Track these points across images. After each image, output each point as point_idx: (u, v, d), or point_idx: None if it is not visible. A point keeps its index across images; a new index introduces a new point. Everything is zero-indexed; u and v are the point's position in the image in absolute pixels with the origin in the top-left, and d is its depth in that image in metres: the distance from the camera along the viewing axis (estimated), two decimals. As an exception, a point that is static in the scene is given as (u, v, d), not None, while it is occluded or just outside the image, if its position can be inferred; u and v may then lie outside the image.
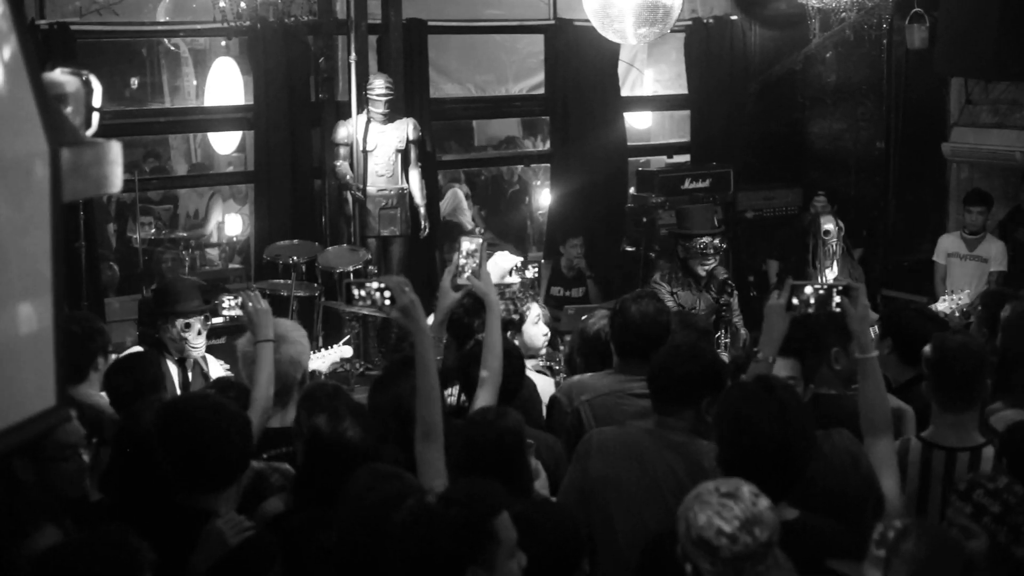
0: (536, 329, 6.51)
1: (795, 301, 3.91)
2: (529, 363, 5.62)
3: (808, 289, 3.89)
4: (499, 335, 4.71)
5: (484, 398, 4.45)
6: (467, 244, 4.73)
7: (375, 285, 4.08)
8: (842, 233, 9.03)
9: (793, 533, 3.18)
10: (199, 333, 6.11)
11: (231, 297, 4.76)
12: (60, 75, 2.08)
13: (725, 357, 6.47)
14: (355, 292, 4.13)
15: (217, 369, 6.25)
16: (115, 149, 2.04)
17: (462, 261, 4.68)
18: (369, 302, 4.08)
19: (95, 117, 2.11)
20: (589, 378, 5.19)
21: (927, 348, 4.48)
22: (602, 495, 4.06)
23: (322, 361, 6.49)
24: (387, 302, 4.02)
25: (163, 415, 3.78)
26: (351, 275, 9.18)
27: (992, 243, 9.81)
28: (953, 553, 3.06)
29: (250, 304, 4.67)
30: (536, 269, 10.17)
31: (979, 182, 10.72)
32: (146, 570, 3.03)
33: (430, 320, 5.05)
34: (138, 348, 6.20)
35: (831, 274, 8.68)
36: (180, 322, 6.05)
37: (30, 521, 3.31)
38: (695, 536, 2.93)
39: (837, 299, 3.86)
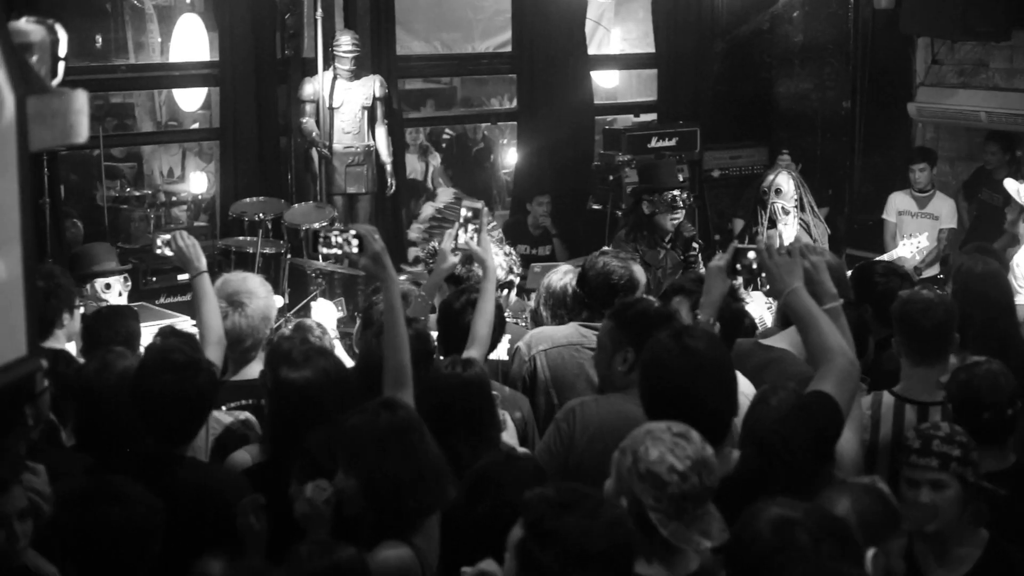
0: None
1: (738, 265, 3.87)
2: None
3: (751, 254, 3.81)
4: (492, 301, 4.72)
5: None
6: (466, 209, 4.71)
7: (348, 233, 3.99)
8: (801, 190, 8.98)
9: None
10: (120, 295, 6.13)
11: (161, 239, 4.83)
12: (26, 24, 2.06)
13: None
14: (324, 248, 4.02)
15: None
16: (81, 98, 2.04)
17: (462, 225, 4.66)
18: (340, 251, 4.00)
19: (61, 66, 2.10)
20: (551, 329, 5.27)
21: (895, 304, 4.52)
22: (587, 473, 3.99)
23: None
24: (356, 250, 3.95)
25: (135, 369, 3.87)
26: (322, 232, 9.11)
27: (943, 200, 9.84)
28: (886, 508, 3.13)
29: (179, 241, 4.71)
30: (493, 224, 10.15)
31: (944, 142, 10.79)
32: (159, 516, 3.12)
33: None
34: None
35: (787, 232, 8.64)
36: (100, 282, 6.11)
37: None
38: (643, 469, 2.91)
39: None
